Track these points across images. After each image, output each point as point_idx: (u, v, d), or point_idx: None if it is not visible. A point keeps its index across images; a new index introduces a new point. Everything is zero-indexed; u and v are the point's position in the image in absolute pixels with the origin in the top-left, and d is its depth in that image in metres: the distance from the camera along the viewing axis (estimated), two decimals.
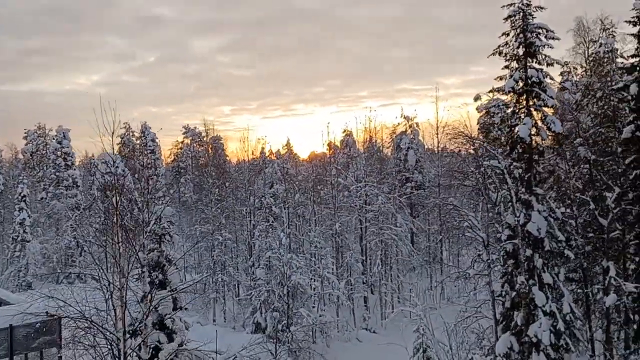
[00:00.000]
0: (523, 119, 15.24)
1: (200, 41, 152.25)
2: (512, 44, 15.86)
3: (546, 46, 15.43)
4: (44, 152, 64.82)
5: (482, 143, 16.38)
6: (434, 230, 38.61)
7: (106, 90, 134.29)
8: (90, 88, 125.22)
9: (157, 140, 65.72)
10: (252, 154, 38.46)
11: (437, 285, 35.45)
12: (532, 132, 15.44)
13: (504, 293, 15.71)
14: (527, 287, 14.69)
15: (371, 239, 32.33)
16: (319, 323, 25.31)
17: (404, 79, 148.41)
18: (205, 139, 45.05)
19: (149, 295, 11.23)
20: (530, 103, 15.46)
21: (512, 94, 15.76)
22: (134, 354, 12.29)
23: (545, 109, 15.45)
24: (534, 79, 15.31)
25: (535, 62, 15.58)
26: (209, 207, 33.04)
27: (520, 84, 15.60)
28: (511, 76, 15.72)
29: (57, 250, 43.44)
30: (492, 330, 20.35)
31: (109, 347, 11.21)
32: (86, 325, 11.42)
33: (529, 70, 15.47)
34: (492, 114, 55.35)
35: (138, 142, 67.05)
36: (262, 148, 40.77)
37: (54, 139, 50.88)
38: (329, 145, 59.48)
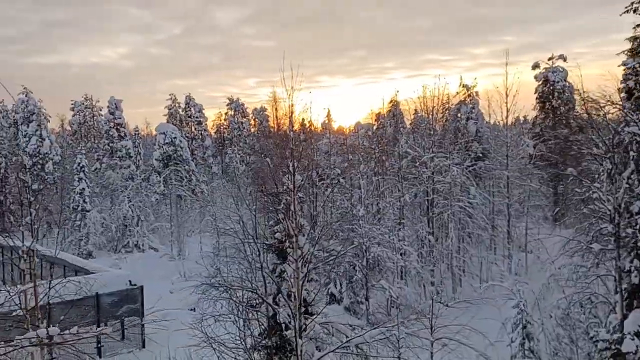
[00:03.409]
0: None
1: (222, 12, 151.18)
2: None
3: None
4: (92, 123, 65.32)
5: (620, 109, 15.14)
6: (498, 202, 37.53)
7: (132, 63, 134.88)
8: (117, 61, 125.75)
9: (203, 111, 65.57)
10: (312, 124, 37.64)
11: (505, 258, 34.67)
12: None
13: (632, 268, 14.80)
14: None
15: (440, 210, 31.53)
16: (400, 296, 24.87)
17: (430, 49, 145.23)
18: (274, 109, 44.40)
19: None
20: None
21: None
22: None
23: None
24: None
25: None
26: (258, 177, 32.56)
27: None
28: None
29: (114, 220, 43.92)
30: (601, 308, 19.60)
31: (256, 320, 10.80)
32: (251, 297, 10.98)
33: None
34: (551, 82, 53.08)
35: (183, 113, 67.02)
36: (328, 118, 39.82)
37: (106, 108, 50.99)
38: (377, 115, 58.63)
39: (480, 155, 39.81)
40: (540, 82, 51.35)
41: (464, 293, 31.27)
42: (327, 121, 74.71)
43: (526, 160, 45.63)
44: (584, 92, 18.01)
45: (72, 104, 66.49)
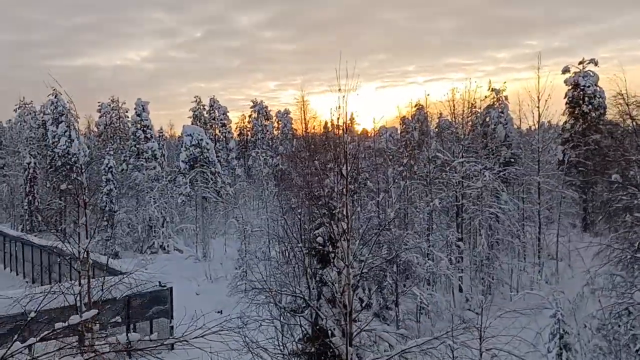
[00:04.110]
0: None
1: (244, 16, 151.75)
2: None
3: None
4: (118, 125, 66.07)
5: None
6: (528, 208, 36.82)
7: (154, 65, 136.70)
8: (139, 64, 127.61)
9: (227, 114, 65.91)
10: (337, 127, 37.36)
11: (535, 266, 33.95)
12: None
13: None
14: None
15: (470, 216, 31.04)
16: (430, 303, 24.48)
17: (452, 53, 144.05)
18: (300, 111, 44.10)
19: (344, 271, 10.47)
20: None
21: None
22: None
23: None
24: None
25: None
26: (305, 181, 32.45)
27: None
28: None
29: (140, 221, 44.22)
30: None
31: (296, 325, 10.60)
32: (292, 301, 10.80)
33: None
34: (582, 87, 52.04)
35: (207, 115, 67.45)
36: (352, 121, 39.59)
37: (133, 110, 51.48)
38: (402, 119, 58.19)
39: (510, 160, 39.10)
40: (571, 87, 50.34)
41: (495, 301, 30.66)
42: (350, 124, 74.49)
43: (554, 166, 44.77)
44: (628, 96, 17.42)
45: (98, 106, 67.35)
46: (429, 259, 27.31)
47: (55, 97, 50.28)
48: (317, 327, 10.33)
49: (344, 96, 9.22)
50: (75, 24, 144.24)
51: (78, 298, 8.05)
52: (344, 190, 9.57)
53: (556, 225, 39.44)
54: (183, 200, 44.17)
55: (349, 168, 9.41)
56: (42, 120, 58.03)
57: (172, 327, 23.76)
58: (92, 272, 27.90)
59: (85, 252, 8.15)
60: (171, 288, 24.27)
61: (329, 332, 10.20)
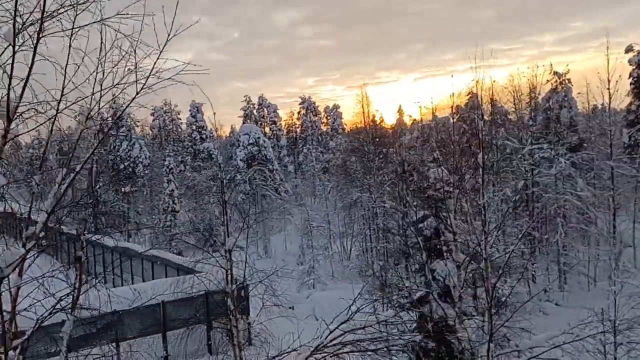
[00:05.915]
0: None
1: (280, 14, 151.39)
2: None
3: None
4: (171, 127, 67.37)
5: None
6: (600, 194, 35.30)
7: (197, 69, 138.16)
8: (181, 67, 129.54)
9: (277, 112, 66.23)
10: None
11: (611, 254, 32.54)
12: None
13: None
14: None
15: (543, 204, 30.00)
16: (508, 294, 23.73)
17: (493, 40, 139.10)
18: (362, 103, 43.39)
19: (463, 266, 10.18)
20: None
21: None
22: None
23: None
24: None
25: None
26: (370, 175, 32.22)
27: None
28: None
29: (202, 220, 44.97)
30: None
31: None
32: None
33: None
34: None
35: (257, 113, 67.96)
36: (400, 114, 38.82)
37: (188, 112, 52.47)
38: (456, 108, 56.93)
39: (582, 144, 37.56)
40: (635, 66, 47.95)
41: (572, 291, 29.61)
42: (399, 117, 73.65)
43: (621, 149, 42.71)
44: None
45: (152, 110, 68.83)
46: (504, 250, 26.51)
47: (114, 102, 51.61)
48: (442, 324, 10.04)
49: (478, 82, 8.80)
50: (128, 28, 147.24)
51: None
52: (481, 180, 9.21)
53: (627, 211, 37.73)
54: (242, 198, 44.66)
55: (485, 156, 9.03)
56: (100, 125, 59.77)
57: (249, 323, 23.94)
58: (166, 271, 28.63)
59: (229, 250, 8.30)
60: (247, 285, 24.42)
61: (455, 328, 9.88)
